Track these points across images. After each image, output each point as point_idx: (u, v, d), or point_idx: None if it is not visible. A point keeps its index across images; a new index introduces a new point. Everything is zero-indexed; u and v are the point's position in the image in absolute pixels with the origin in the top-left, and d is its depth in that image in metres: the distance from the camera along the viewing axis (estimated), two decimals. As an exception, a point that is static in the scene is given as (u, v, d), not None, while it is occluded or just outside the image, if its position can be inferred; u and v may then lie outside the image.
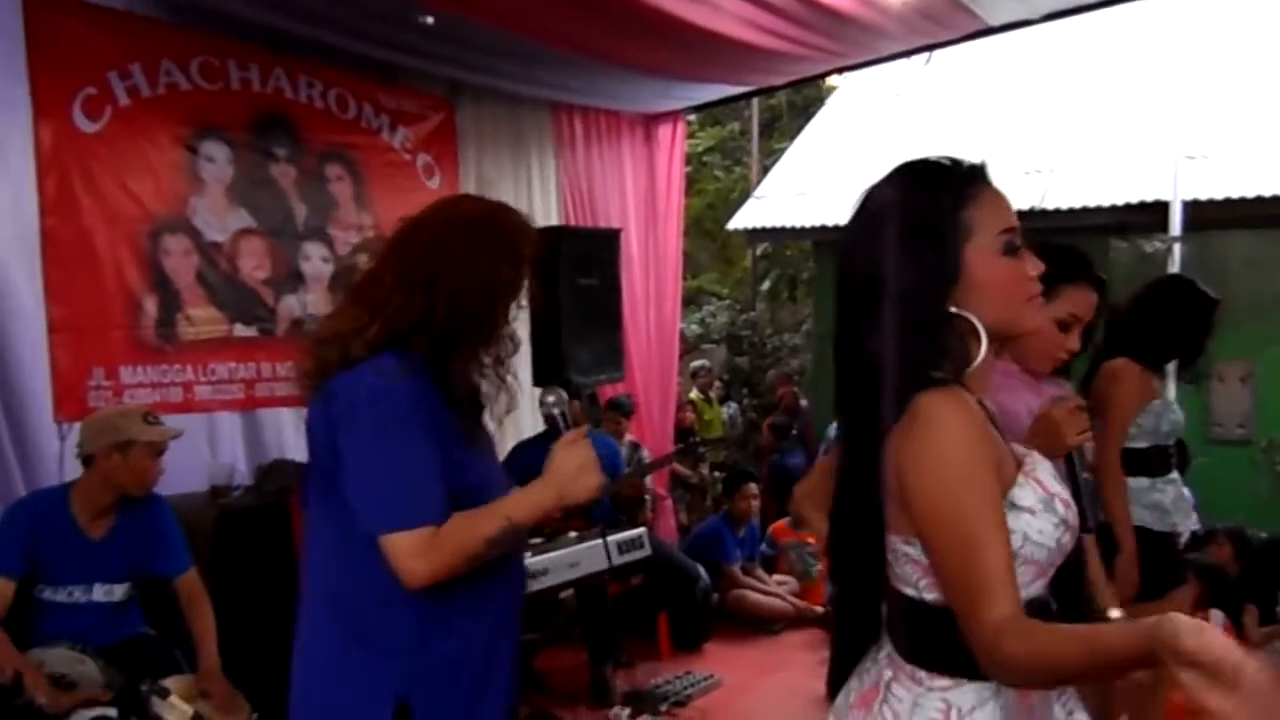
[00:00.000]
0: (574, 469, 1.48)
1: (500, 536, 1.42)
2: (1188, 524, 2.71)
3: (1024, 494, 1.12)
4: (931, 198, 1.15)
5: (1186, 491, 2.75)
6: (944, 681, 1.15)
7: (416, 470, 1.42)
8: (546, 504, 1.48)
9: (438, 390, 1.47)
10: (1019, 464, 1.16)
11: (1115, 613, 1.36)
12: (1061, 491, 1.16)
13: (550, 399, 1.59)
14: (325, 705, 1.52)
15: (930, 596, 1.15)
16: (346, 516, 1.44)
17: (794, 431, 7.49)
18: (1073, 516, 1.16)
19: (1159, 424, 2.66)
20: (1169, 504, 2.65)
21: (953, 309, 1.14)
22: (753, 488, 5.35)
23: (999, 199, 1.18)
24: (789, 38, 4.14)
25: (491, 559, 1.44)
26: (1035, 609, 1.13)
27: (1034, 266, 1.18)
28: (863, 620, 1.26)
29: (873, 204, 1.19)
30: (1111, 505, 2.54)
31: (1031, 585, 1.14)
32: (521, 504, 1.47)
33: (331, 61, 4.25)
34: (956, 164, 1.18)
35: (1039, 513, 1.12)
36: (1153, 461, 2.67)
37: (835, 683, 1.32)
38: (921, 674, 1.16)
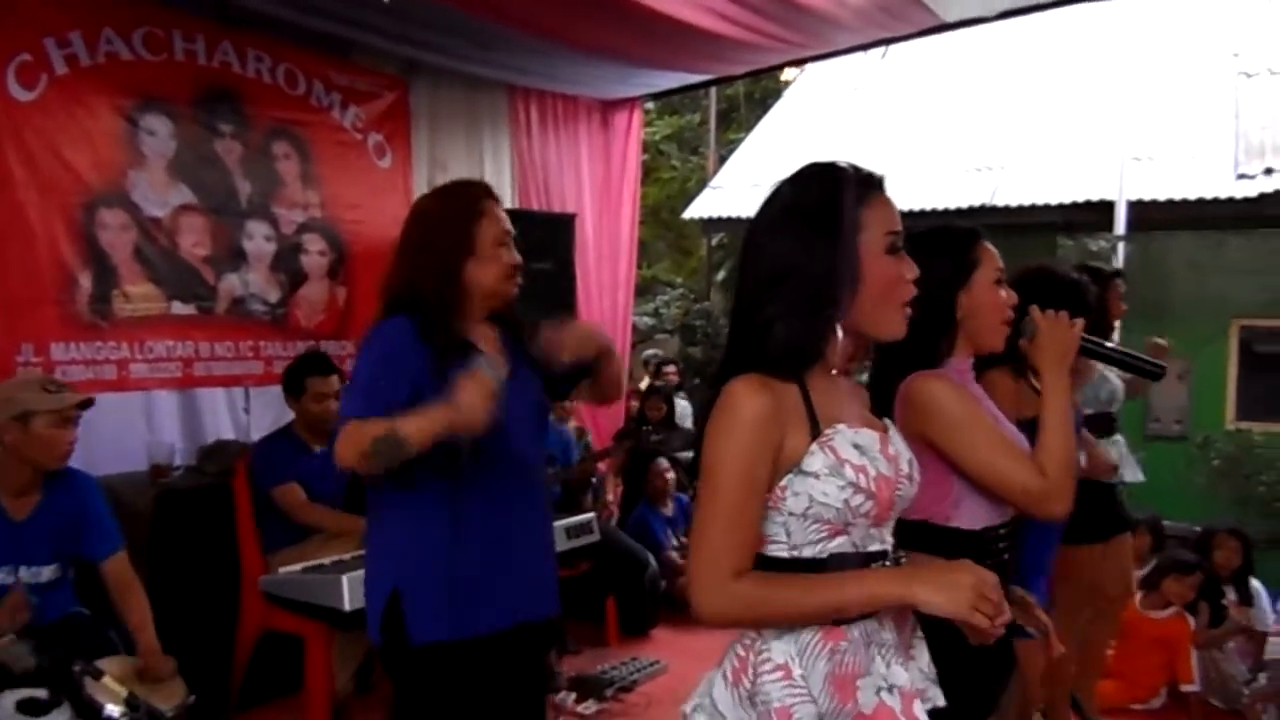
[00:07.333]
0: (467, 400, 1.68)
1: (384, 438, 1.67)
2: (1134, 475, 3.19)
3: (813, 460, 1.24)
4: (835, 194, 1.30)
5: (1126, 450, 3.17)
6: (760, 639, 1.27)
7: (367, 385, 1.81)
8: (437, 424, 1.68)
9: (423, 340, 1.81)
10: (815, 436, 1.26)
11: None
12: (855, 459, 1.25)
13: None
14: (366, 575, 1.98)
15: None
16: None
17: None
18: (868, 483, 1.25)
19: (1098, 393, 3.04)
20: (1114, 460, 3.01)
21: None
22: (662, 463, 5.26)
23: (890, 205, 1.35)
24: (748, 26, 4.13)
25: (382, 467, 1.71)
26: (840, 563, 1.27)
27: (910, 270, 1.33)
28: None
29: (782, 197, 1.33)
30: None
31: (831, 541, 1.26)
32: (410, 420, 1.69)
33: (282, 36, 4.15)
34: (857, 169, 1.34)
35: (824, 477, 1.24)
36: (1098, 425, 3.03)
37: None
38: (750, 635, 1.28)
